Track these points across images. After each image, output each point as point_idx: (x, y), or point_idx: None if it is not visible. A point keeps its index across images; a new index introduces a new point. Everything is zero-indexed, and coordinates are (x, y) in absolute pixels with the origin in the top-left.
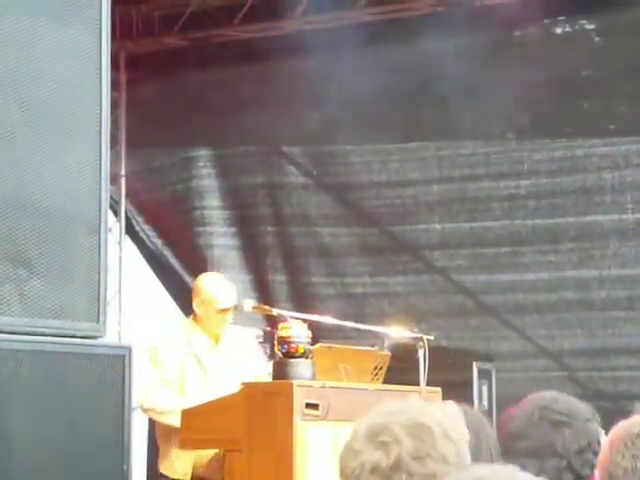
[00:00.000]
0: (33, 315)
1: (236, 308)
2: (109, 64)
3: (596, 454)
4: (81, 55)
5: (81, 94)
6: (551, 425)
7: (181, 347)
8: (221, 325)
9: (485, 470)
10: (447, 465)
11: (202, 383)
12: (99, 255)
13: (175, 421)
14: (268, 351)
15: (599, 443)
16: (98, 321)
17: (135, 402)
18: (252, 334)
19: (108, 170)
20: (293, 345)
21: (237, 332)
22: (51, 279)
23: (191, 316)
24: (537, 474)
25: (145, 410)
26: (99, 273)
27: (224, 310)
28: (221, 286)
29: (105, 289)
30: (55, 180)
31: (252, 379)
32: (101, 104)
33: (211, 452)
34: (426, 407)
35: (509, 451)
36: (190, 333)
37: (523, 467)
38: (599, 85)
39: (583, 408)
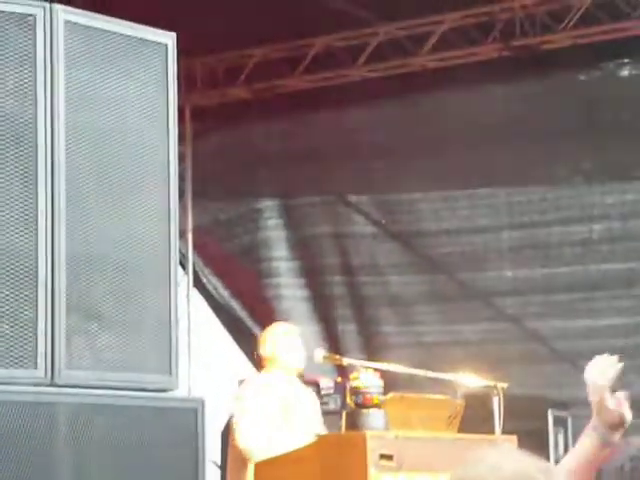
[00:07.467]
0: (104, 368)
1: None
2: (176, 117)
3: None
4: (148, 108)
5: (149, 147)
6: None
7: (267, 396)
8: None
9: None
10: None
11: (287, 431)
12: (169, 307)
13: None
14: (339, 402)
15: None
16: (170, 374)
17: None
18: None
19: (177, 222)
20: (366, 395)
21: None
22: (122, 332)
23: (263, 370)
24: None
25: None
26: (170, 325)
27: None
28: (282, 327)
29: (177, 341)
30: (125, 233)
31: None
32: (169, 157)
33: None
34: (519, 454)
35: None
36: (271, 381)
37: None
38: None
39: None
